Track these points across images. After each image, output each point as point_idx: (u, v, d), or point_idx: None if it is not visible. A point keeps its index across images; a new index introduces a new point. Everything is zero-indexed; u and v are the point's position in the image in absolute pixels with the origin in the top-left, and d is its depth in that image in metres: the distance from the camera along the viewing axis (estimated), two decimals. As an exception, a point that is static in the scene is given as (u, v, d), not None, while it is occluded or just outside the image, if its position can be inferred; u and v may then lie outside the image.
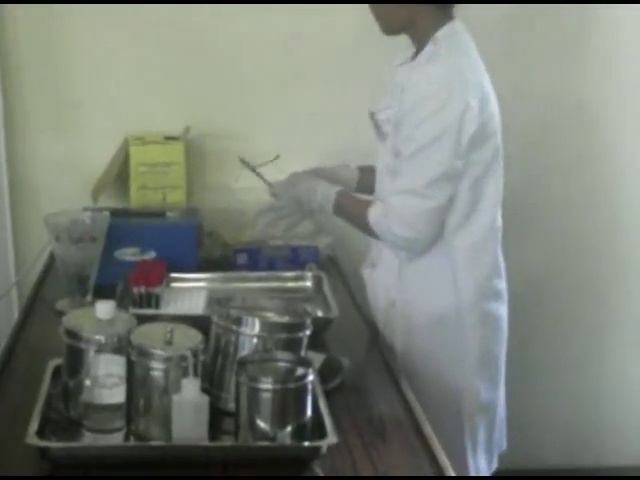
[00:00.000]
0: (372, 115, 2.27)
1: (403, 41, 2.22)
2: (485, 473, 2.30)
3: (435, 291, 2.21)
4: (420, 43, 2.19)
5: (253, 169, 2.44)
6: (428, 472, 1.60)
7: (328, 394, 1.75)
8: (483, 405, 2.27)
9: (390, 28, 2.21)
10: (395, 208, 2.09)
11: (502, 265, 2.29)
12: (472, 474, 2.26)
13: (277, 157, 2.46)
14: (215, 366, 1.74)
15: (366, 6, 2.18)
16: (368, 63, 2.68)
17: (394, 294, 2.25)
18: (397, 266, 2.23)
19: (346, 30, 2.79)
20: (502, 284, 2.30)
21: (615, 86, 3.06)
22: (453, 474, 1.58)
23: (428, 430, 1.73)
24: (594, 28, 3.00)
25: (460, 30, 2.18)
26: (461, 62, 2.12)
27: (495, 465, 2.35)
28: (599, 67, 3.04)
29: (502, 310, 2.30)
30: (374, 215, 2.15)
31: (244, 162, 2.46)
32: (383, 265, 2.28)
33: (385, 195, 2.17)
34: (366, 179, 2.42)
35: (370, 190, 2.37)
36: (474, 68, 2.14)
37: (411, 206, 2.08)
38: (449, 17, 2.18)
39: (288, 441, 1.57)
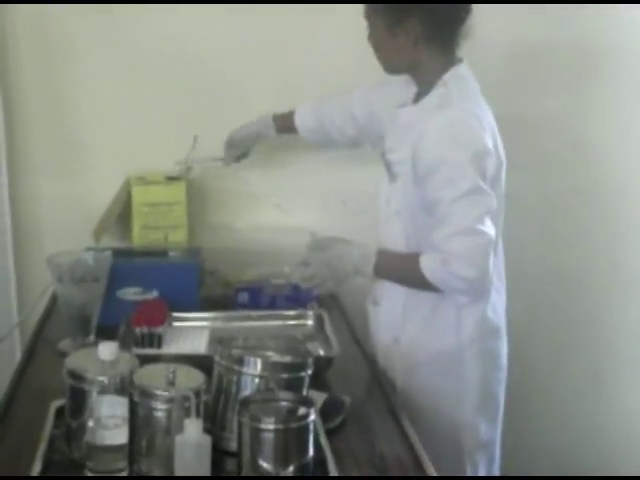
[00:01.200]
0: (383, 154, 2.28)
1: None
2: None
3: (438, 329, 2.22)
4: (424, 85, 2.20)
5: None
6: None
7: (330, 433, 1.76)
8: (483, 442, 2.28)
9: (393, 69, 2.25)
10: (454, 251, 2.05)
11: (502, 301, 2.30)
12: None
13: (195, 139, 2.69)
14: (217, 406, 1.74)
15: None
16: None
17: (398, 332, 2.25)
18: (402, 304, 2.24)
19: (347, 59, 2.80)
20: (502, 320, 2.31)
21: (616, 123, 3.08)
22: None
23: (430, 469, 1.72)
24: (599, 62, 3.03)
25: (466, 74, 2.19)
26: (475, 107, 2.14)
27: None
28: (600, 103, 3.06)
29: (502, 347, 2.31)
30: (430, 267, 2.09)
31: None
32: (387, 303, 2.28)
33: (425, 245, 2.14)
34: (284, 125, 2.63)
35: (291, 132, 2.62)
36: (485, 112, 2.16)
37: (469, 245, 2.06)
38: (454, 60, 2.19)
39: (291, 481, 1.57)
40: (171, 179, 2.78)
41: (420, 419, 2.10)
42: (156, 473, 1.61)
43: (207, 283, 2.63)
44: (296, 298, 2.51)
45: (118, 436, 1.60)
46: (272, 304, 2.54)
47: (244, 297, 2.54)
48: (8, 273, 2.81)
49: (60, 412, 1.74)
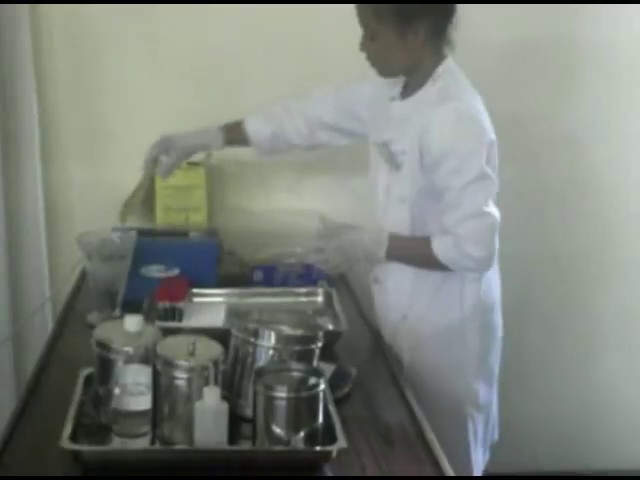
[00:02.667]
0: (384, 145, 2.22)
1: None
2: (481, 463, 2.35)
3: (443, 306, 2.22)
4: (416, 80, 2.17)
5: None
6: (430, 475, 1.59)
7: (338, 402, 1.75)
8: (481, 405, 2.30)
9: (393, 72, 2.20)
10: (466, 234, 2.07)
11: (497, 278, 2.31)
12: (472, 465, 2.30)
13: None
14: (234, 375, 1.74)
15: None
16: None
17: (405, 310, 2.24)
18: (409, 285, 2.24)
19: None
20: (498, 296, 2.32)
21: (602, 117, 3.06)
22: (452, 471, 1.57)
23: (431, 436, 1.72)
24: (586, 61, 3.01)
25: (455, 67, 2.17)
26: (473, 98, 2.13)
27: (488, 455, 2.38)
28: (588, 100, 3.04)
29: (498, 320, 2.32)
30: (442, 249, 2.11)
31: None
32: (394, 283, 2.27)
33: (436, 228, 2.14)
34: (233, 136, 2.46)
35: (240, 144, 2.47)
36: (480, 102, 2.14)
37: (479, 228, 2.08)
38: (443, 55, 2.17)
39: (301, 445, 1.57)
40: (191, 164, 2.77)
41: (426, 387, 2.15)
42: (177, 437, 1.60)
43: (225, 262, 2.63)
44: (307, 276, 2.51)
45: (142, 402, 1.61)
46: (285, 282, 2.54)
47: (259, 275, 2.54)
48: (41, 251, 2.82)
49: (89, 379, 1.74)
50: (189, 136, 2.45)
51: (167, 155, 2.40)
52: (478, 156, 2.06)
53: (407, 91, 2.21)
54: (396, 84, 2.24)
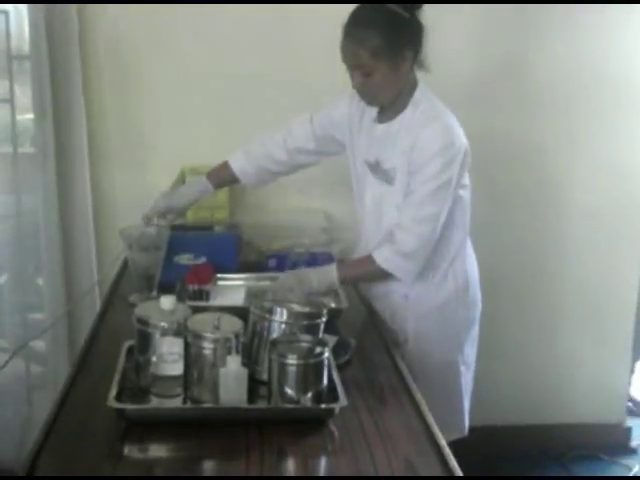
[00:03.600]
0: (377, 164, 2.17)
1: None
2: (467, 409, 2.37)
3: (438, 285, 2.22)
4: (394, 104, 2.10)
5: None
6: (418, 428, 1.60)
7: (339, 367, 1.75)
8: (469, 363, 2.34)
9: (386, 101, 2.11)
10: (413, 231, 2.07)
11: (475, 260, 2.33)
12: (464, 410, 2.35)
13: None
14: (252, 346, 1.75)
15: None
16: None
17: (407, 290, 2.22)
18: None
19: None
20: (477, 275, 2.32)
21: (562, 128, 3.06)
22: (438, 431, 1.57)
23: (418, 396, 1.72)
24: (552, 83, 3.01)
25: (428, 92, 2.11)
26: (450, 117, 2.08)
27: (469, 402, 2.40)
28: (554, 114, 3.04)
29: (478, 295, 2.32)
30: (384, 259, 2.09)
31: None
32: None
33: (375, 241, 2.16)
34: (221, 180, 2.40)
35: (229, 183, 2.42)
36: (455, 119, 2.09)
37: (426, 231, 2.07)
38: (416, 81, 2.11)
39: (309, 404, 1.58)
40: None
41: (429, 355, 2.21)
42: (205, 397, 1.61)
43: (244, 251, 2.63)
44: (313, 263, 2.50)
45: (175, 368, 1.61)
46: (294, 267, 2.53)
47: (273, 262, 2.53)
48: (90, 242, 2.83)
49: (130, 350, 1.75)
50: (181, 196, 2.37)
51: (167, 215, 2.35)
52: (450, 171, 2.02)
53: (386, 114, 2.14)
54: (370, 108, 2.17)
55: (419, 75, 2.13)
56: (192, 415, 1.59)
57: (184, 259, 2.40)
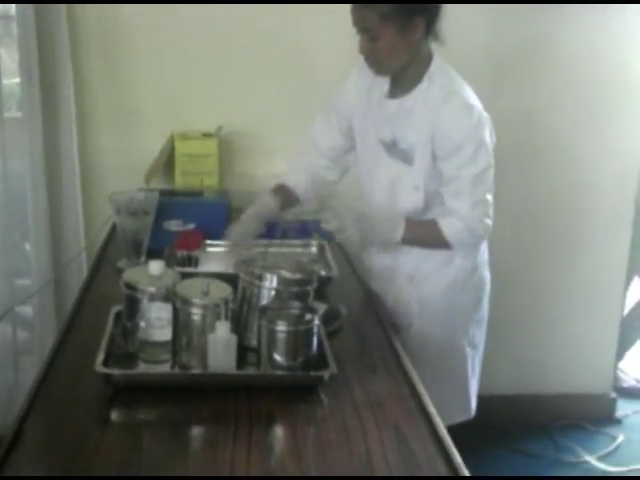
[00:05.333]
0: (394, 143, 2.08)
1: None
2: (475, 391, 2.33)
3: (446, 266, 2.17)
4: (407, 78, 2.04)
5: None
6: (407, 396, 1.59)
7: (329, 335, 1.74)
8: (475, 344, 2.28)
9: (392, 69, 2.04)
10: (477, 217, 2.04)
11: (486, 244, 2.27)
12: (470, 390, 2.30)
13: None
14: (242, 312, 1.73)
15: None
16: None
17: (413, 271, 2.18)
18: (416, 251, 2.16)
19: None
20: (487, 254, 2.27)
21: (556, 98, 3.04)
22: (428, 397, 1.56)
23: (407, 364, 1.72)
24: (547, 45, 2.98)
25: (444, 65, 2.04)
26: (469, 90, 2.02)
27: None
28: (546, 80, 3.01)
29: (487, 275, 2.28)
30: (453, 232, 2.06)
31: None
32: (402, 253, 2.19)
33: (438, 209, 2.09)
34: (285, 200, 2.28)
35: (289, 205, 2.28)
36: (472, 92, 2.03)
37: (485, 212, 2.05)
38: (432, 54, 2.03)
39: (299, 371, 1.57)
40: (206, 136, 2.76)
41: (433, 332, 2.17)
42: (193, 363, 1.60)
43: (233, 218, 2.60)
44: (303, 230, 2.49)
45: (164, 334, 1.60)
46: (284, 235, 2.51)
47: (262, 229, 2.52)
48: (77, 208, 2.80)
49: (118, 315, 1.73)
50: (252, 218, 2.24)
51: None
52: (486, 147, 1.99)
53: (400, 88, 2.07)
54: (384, 82, 2.10)
55: (435, 50, 2.05)
56: (180, 380, 1.58)
57: (173, 225, 2.37)
